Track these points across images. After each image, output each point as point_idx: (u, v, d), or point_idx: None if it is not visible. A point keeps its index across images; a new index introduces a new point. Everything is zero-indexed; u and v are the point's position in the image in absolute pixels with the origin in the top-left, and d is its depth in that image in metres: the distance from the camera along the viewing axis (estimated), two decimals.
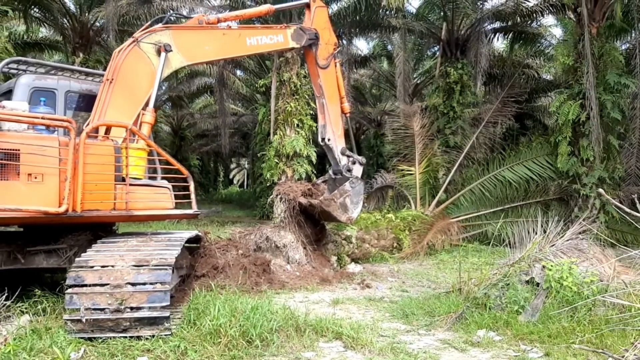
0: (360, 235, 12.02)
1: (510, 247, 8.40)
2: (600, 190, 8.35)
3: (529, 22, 20.21)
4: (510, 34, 21.46)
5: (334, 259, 10.68)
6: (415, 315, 6.99)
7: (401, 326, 6.59)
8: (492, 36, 20.97)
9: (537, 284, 6.89)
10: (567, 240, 7.83)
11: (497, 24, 20.69)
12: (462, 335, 6.14)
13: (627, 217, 5.83)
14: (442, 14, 20.23)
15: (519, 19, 19.89)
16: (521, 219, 11.35)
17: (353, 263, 11.02)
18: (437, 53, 21.86)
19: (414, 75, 26.06)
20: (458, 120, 19.31)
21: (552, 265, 6.87)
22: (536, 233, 7.93)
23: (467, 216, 15.23)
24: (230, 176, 63.48)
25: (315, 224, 10.68)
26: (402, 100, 20.68)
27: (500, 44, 24.90)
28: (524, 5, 18.86)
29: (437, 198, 15.60)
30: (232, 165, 60.83)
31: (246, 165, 54.97)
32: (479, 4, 19.62)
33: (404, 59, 21.25)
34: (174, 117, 33.89)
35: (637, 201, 4.92)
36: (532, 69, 22.95)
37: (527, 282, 7.03)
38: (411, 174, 15.90)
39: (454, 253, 12.87)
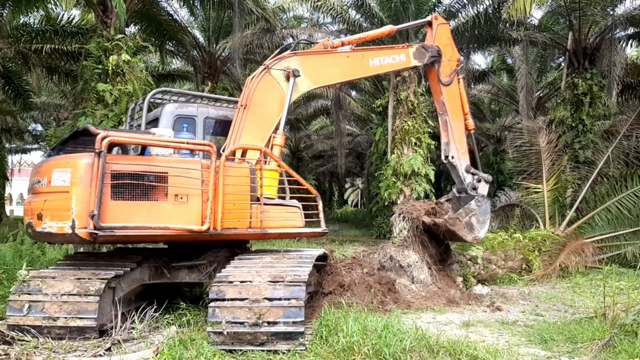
0: (487, 255, 11.57)
1: None
2: None
3: None
4: None
5: (459, 279, 10.37)
6: (555, 341, 6.56)
7: (540, 352, 6.22)
8: (624, 43, 19.50)
9: None
10: None
11: (630, 30, 19.21)
12: None
13: None
14: (567, 23, 19.21)
15: None
16: None
17: (480, 284, 10.62)
18: (562, 64, 20.78)
19: (537, 88, 24.89)
20: (588, 134, 18.16)
21: None
22: None
23: (602, 236, 14.04)
24: (345, 196, 64.13)
25: (439, 243, 10.46)
26: (525, 115, 19.82)
27: (633, 51, 23.11)
28: None
29: (568, 217, 14.62)
30: (347, 185, 61.48)
31: (360, 185, 55.31)
32: (609, 10, 18.38)
33: (526, 71, 20.41)
34: (291, 139, 35.04)
35: None
36: None
37: None
38: (538, 192, 15.06)
39: (590, 276, 11.97)
